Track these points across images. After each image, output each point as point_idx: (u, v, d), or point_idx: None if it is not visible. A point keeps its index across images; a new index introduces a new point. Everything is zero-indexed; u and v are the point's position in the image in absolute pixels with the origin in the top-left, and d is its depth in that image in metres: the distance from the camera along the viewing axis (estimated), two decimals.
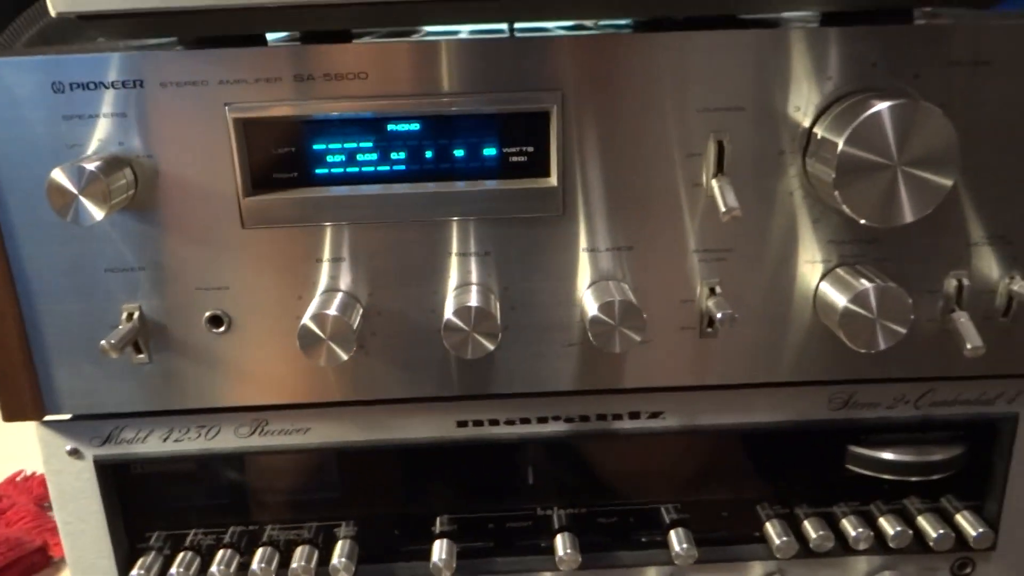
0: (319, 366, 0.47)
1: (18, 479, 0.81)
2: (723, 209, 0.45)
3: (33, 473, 0.81)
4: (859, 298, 0.46)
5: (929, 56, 0.45)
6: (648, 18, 0.53)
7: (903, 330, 0.46)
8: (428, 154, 0.48)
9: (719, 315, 0.47)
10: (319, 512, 0.56)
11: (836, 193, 0.43)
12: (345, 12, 0.45)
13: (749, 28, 0.46)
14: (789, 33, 0.45)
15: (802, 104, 0.46)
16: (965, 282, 0.49)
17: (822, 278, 0.49)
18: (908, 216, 0.43)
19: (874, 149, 0.43)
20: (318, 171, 0.48)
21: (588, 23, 0.59)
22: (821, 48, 0.45)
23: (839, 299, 0.47)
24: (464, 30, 0.57)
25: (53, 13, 0.42)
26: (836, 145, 0.43)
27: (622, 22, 0.58)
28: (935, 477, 0.56)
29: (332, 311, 0.46)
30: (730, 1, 0.47)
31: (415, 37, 0.51)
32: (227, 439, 0.53)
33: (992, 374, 0.53)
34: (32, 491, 0.79)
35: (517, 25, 0.57)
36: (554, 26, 0.60)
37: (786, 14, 0.58)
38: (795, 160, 0.47)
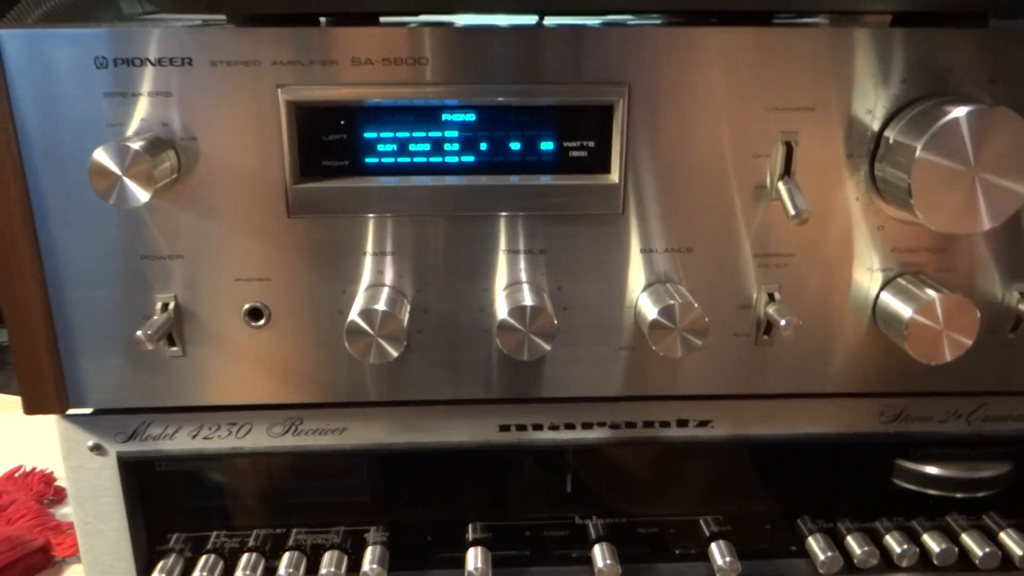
0: (366, 364, 0.45)
1: (17, 475, 0.77)
2: (792, 212, 0.43)
3: (33, 468, 0.78)
4: (925, 308, 0.45)
5: (1005, 61, 0.44)
6: (684, 13, 0.51)
7: (969, 341, 0.45)
8: (483, 146, 0.46)
9: (783, 321, 0.45)
10: (348, 516, 0.54)
11: (911, 200, 0.42)
12: None
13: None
14: (862, 33, 0.44)
15: (872, 107, 0.45)
16: None
17: (883, 287, 0.48)
18: (986, 224, 0.42)
19: (952, 155, 0.41)
20: (368, 160, 0.46)
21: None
22: (894, 50, 0.44)
23: (904, 309, 0.46)
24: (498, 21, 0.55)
25: None
26: (913, 150, 0.42)
27: (656, 21, 0.56)
28: (981, 494, 0.55)
29: (381, 306, 0.44)
30: None
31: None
32: (259, 438, 0.51)
33: None
34: (32, 487, 0.76)
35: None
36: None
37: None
38: (862, 164, 0.46)
